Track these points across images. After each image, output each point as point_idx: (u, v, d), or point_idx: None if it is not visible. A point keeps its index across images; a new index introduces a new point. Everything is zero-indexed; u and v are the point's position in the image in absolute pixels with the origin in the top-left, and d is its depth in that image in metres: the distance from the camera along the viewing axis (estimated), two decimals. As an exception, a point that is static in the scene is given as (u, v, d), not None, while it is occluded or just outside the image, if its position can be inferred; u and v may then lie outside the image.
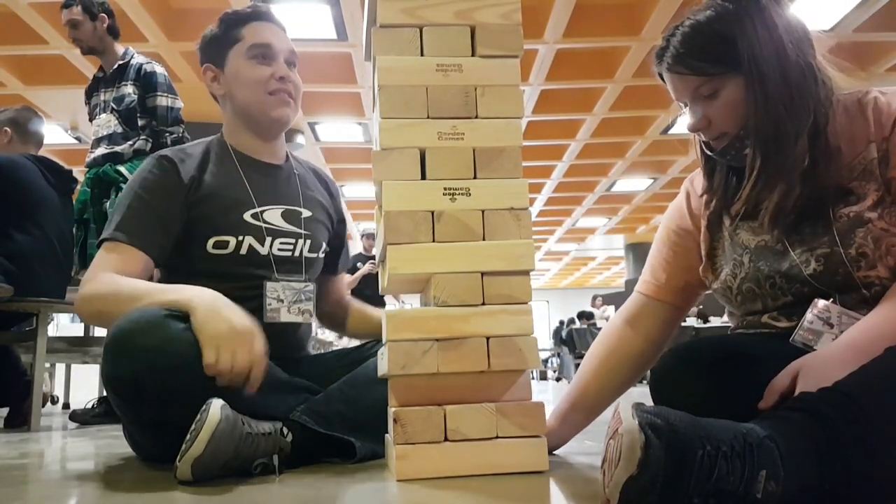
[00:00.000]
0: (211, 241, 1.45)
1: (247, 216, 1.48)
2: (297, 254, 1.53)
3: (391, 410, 1.11)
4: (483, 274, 1.13)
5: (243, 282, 1.44)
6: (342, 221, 1.72)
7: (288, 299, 1.47)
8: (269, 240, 1.49)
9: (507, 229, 1.15)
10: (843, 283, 1.05)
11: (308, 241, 1.55)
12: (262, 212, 1.50)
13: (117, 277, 1.32)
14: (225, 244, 1.45)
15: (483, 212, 1.16)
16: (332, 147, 8.31)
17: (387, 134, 1.16)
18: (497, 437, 1.09)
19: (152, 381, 1.14)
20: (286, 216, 1.53)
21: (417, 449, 1.07)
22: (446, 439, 1.08)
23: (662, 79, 1.17)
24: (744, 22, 1.06)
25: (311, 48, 5.77)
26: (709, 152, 1.17)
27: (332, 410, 1.30)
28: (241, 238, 1.46)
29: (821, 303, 1.06)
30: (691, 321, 7.56)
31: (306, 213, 1.57)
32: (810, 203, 1.07)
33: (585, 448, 1.55)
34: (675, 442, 0.72)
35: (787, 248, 1.11)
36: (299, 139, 7.70)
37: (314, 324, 1.64)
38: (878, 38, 5.81)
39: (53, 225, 2.78)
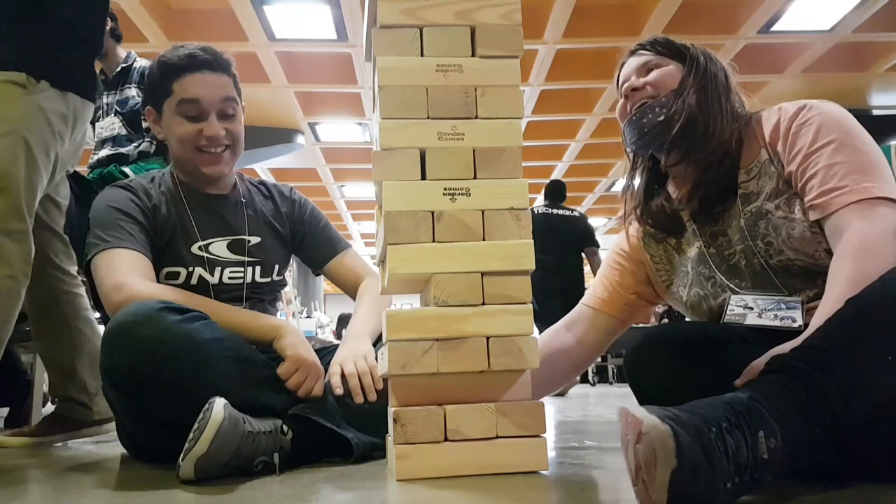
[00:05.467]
0: (163, 272, 1.48)
1: (194, 248, 1.52)
2: (248, 280, 1.56)
3: (391, 410, 1.11)
4: (483, 274, 1.13)
5: None
6: (304, 217, 1.68)
7: None
8: (218, 269, 1.52)
9: (507, 229, 1.15)
10: (763, 271, 1.19)
11: (258, 268, 1.58)
12: (206, 245, 1.53)
13: (187, 294, 1.37)
14: (176, 275, 1.49)
15: (483, 212, 1.16)
16: (332, 147, 8.31)
17: (387, 134, 1.17)
18: (497, 437, 1.09)
19: (149, 371, 1.16)
20: (232, 247, 1.56)
21: (417, 449, 1.07)
22: (446, 439, 1.08)
23: (619, 75, 1.37)
24: (691, 49, 1.34)
25: (311, 48, 5.77)
26: (627, 118, 1.32)
27: (331, 405, 1.31)
28: (191, 269, 1.50)
29: (733, 297, 1.22)
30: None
31: (254, 240, 1.59)
32: (717, 194, 1.25)
33: (585, 448, 1.55)
34: (690, 428, 0.72)
35: (713, 245, 1.27)
36: (299, 139, 7.70)
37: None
38: (878, 38, 5.81)
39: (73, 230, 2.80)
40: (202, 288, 1.49)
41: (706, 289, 1.27)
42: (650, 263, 1.40)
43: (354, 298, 1.66)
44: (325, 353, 1.49)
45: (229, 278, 1.54)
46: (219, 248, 1.54)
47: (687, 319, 1.42)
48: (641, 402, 1.26)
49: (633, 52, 1.36)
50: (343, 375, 1.35)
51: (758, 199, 1.21)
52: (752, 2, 5.28)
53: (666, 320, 8.31)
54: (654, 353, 1.23)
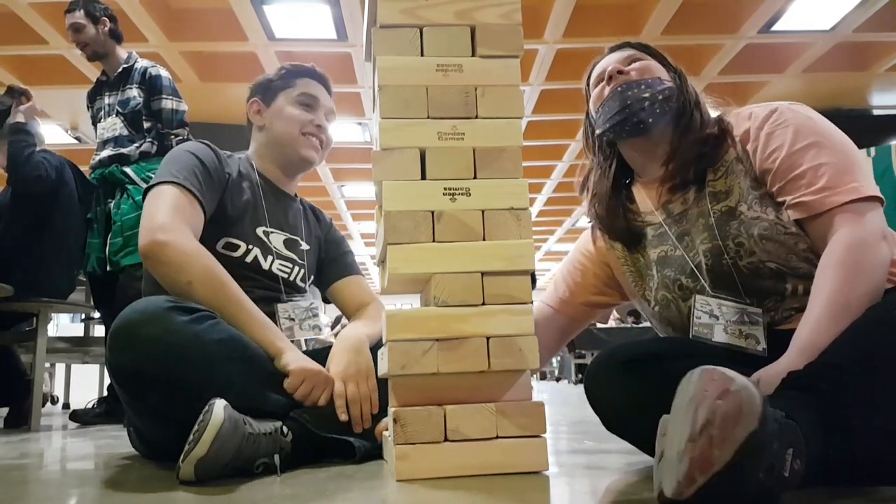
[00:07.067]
0: (221, 241, 1.51)
1: (258, 231, 1.58)
2: (292, 278, 1.63)
3: (391, 410, 1.11)
4: (483, 274, 1.13)
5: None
6: (334, 238, 1.81)
7: (298, 317, 1.59)
8: (271, 258, 1.58)
9: (507, 229, 1.15)
10: (730, 272, 1.18)
11: (302, 271, 1.66)
12: (269, 232, 1.60)
13: (220, 270, 1.35)
14: (235, 247, 1.52)
15: (483, 212, 1.16)
16: (332, 147, 8.30)
17: (387, 134, 1.16)
18: (497, 437, 1.09)
19: (154, 370, 1.16)
20: (287, 244, 1.65)
21: (417, 449, 1.07)
22: (446, 439, 1.08)
23: (593, 71, 1.39)
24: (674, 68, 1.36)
25: (311, 48, 5.76)
26: (610, 92, 1.31)
27: (331, 409, 1.30)
28: (250, 247, 1.55)
29: (699, 298, 1.21)
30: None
31: (305, 246, 1.69)
32: (684, 183, 1.25)
33: (585, 448, 1.55)
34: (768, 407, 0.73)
35: (679, 248, 1.26)
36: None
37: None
38: (878, 38, 5.80)
39: (74, 229, 2.82)
40: (253, 268, 1.54)
41: (674, 292, 1.27)
42: (619, 266, 1.39)
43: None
44: (326, 354, 1.49)
45: (278, 269, 1.60)
46: (277, 239, 1.62)
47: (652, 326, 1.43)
48: (603, 423, 1.27)
49: (612, 50, 1.38)
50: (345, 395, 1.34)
51: (727, 199, 1.21)
52: (752, 2, 5.27)
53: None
54: (603, 374, 1.24)
